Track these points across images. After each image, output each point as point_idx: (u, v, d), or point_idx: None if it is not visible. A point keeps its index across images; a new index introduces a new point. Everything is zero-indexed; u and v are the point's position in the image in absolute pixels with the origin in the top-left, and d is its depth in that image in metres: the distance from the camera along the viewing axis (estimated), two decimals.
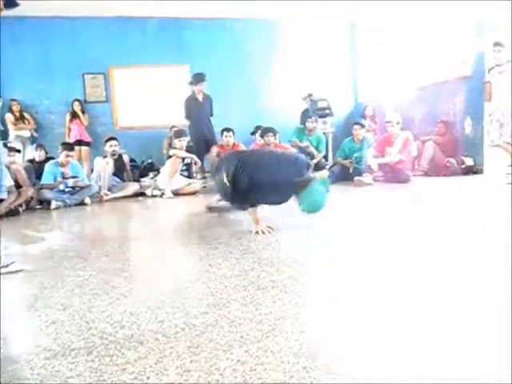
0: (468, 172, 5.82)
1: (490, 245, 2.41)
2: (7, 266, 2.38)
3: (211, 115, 6.48)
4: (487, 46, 5.71)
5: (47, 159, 5.49)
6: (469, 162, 5.94)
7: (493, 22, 5.75)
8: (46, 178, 5.10)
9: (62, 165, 5.20)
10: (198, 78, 6.40)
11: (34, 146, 6.03)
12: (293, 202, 2.92)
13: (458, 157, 5.99)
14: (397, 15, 7.38)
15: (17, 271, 2.33)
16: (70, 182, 5.16)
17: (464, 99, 6.25)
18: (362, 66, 8.87)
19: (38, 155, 5.58)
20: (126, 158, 6.12)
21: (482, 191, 4.77)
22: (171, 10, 7.46)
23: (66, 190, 5.15)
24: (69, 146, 5.38)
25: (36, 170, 5.33)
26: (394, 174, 5.56)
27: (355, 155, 5.92)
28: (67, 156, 5.19)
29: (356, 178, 5.53)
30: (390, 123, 5.78)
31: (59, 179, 5.12)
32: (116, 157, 5.81)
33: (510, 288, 1.61)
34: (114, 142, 5.86)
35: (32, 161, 5.69)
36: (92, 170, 6.18)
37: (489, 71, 5.59)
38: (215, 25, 8.14)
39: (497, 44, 5.34)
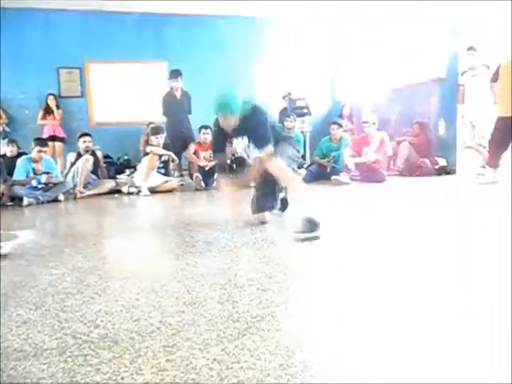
0: (441, 172, 5.97)
1: (463, 242, 2.47)
2: None
3: (189, 112, 6.43)
4: (461, 49, 5.87)
5: (19, 154, 5.35)
6: (442, 162, 6.09)
7: (467, 25, 5.90)
8: (18, 174, 4.97)
9: (35, 161, 5.07)
10: (173, 75, 6.34)
11: (6, 140, 5.86)
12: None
13: (432, 157, 6.13)
14: (374, 16, 7.48)
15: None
16: (43, 179, 5.03)
17: (438, 101, 6.40)
18: (340, 65, 8.97)
19: (10, 150, 5.43)
20: (99, 155, 6.01)
21: (454, 191, 4.90)
22: (151, 5, 7.37)
23: (39, 186, 5.03)
24: (41, 142, 5.25)
25: (7, 165, 5.17)
26: (370, 174, 5.65)
27: (332, 154, 5.99)
28: (40, 152, 5.07)
29: (333, 177, 5.59)
30: (366, 123, 5.87)
31: (31, 175, 4.99)
32: (90, 153, 5.70)
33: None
34: (87, 138, 5.75)
35: (3, 156, 5.53)
36: (65, 166, 6.06)
37: (462, 74, 5.74)
38: (195, 21, 8.09)
39: (470, 48, 5.50)
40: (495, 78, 5.05)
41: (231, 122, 2.89)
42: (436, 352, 1.22)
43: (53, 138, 7.09)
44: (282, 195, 3.32)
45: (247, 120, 2.87)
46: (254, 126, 2.85)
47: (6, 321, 1.55)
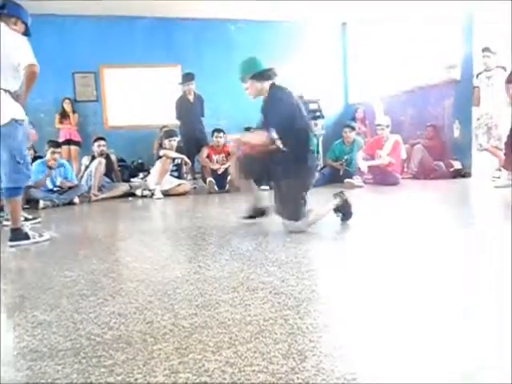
0: (456, 175, 5.89)
1: (478, 246, 2.44)
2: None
3: (202, 116, 6.47)
4: (475, 50, 5.79)
5: (35, 158, 5.44)
6: (457, 165, 6.01)
7: (481, 26, 5.83)
8: (34, 178, 5.04)
9: (49, 162, 5.15)
10: (186, 78, 6.39)
11: None
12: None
13: (447, 160, 6.06)
14: (387, 17, 7.45)
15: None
16: (58, 182, 5.12)
17: (452, 103, 6.33)
18: (353, 68, 8.93)
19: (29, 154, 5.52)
20: (113, 158, 6.08)
21: (469, 194, 4.84)
22: (163, 9, 7.44)
23: (55, 189, 5.12)
24: (54, 143, 5.30)
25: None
26: (383, 177, 5.60)
27: (345, 157, 5.96)
28: (53, 153, 5.14)
29: (346, 181, 5.56)
30: (380, 126, 5.83)
31: (47, 172, 5.05)
32: (103, 156, 5.77)
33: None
34: (101, 142, 5.82)
35: None
36: (80, 170, 6.14)
37: (477, 76, 5.66)
38: (207, 25, 8.14)
39: (485, 49, 5.42)
40: (511, 80, 4.97)
41: (249, 88, 2.99)
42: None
43: (68, 142, 7.20)
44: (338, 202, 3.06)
45: (268, 98, 2.96)
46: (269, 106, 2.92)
47: (23, 322, 1.58)
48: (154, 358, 1.25)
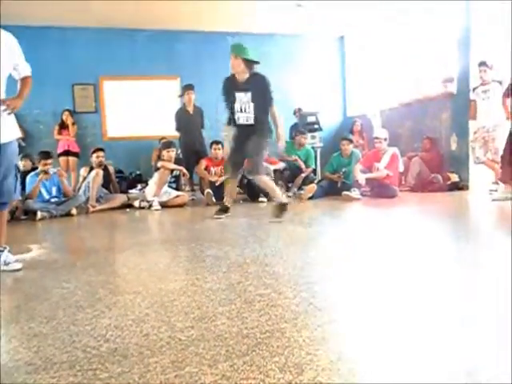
0: (453, 188, 5.91)
1: (477, 259, 2.44)
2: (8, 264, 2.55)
3: (202, 127, 6.49)
4: (472, 64, 5.86)
5: (33, 169, 5.43)
6: (454, 178, 6.03)
7: (478, 41, 5.91)
8: (30, 190, 5.04)
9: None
10: (186, 88, 6.42)
11: (21, 155, 5.97)
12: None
13: (444, 173, 6.09)
14: (384, 32, 7.55)
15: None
16: (54, 191, 5.13)
17: (450, 116, 6.38)
18: (351, 81, 9.01)
19: (24, 165, 5.52)
20: (111, 169, 6.08)
21: (467, 207, 4.85)
22: (163, 22, 7.53)
23: (52, 200, 5.11)
24: (44, 155, 5.26)
25: (22, 179, 5.24)
26: (381, 189, 5.61)
27: (343, 170, 5.97)
28: (45, 165, 5.13)
29: (344, 193, 5.56)
30: (377, 139, 5.85)
31: (40, 176, 5.02)
32: (102, 168, 5.77)
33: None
34: (100, 153, 5.83)
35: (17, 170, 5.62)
36: (78, 181, 6.13)
37: (473, 90, 5.72)
38: (207, 38, 8.22)
39: (482, 64, 5.48)
40: (508, 94, 5.02)
41: (236, 65, 4.01)
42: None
43: (67, 153, 7.21)
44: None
45: (256, 79, 4.01)
46: (260, 85, 4.01)
47: (18, 333, 1.57)
48: (149, 370, 1.25)
